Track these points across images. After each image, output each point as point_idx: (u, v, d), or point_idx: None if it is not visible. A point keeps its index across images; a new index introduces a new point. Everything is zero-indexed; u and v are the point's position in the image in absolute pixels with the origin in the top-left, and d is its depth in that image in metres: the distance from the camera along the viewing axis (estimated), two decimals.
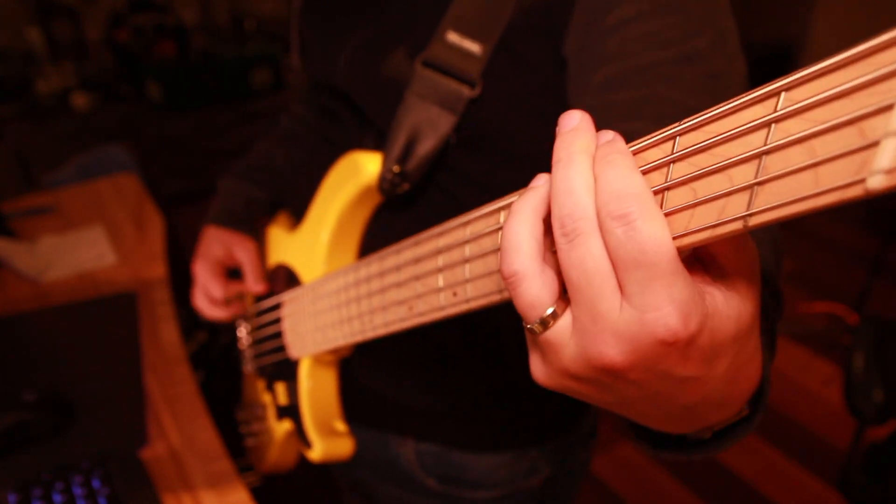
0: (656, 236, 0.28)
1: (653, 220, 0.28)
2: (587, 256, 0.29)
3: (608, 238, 0.28)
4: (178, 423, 0.91)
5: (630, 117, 0.53)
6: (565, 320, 0.32)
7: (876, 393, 1.28)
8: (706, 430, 0.37)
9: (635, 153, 0.31)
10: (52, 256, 1.26)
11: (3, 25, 4.31)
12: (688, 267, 0.30)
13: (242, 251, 0.86)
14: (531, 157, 0.65)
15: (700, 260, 0.32)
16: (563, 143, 0.32)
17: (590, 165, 0.30)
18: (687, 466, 1.96)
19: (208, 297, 0.86)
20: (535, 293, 0.32)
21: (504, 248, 0.32)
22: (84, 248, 1.29)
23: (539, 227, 0.32)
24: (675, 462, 0.38)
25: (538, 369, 0.34)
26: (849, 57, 0.23)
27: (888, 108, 0.22)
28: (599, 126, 0.57)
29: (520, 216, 0.33)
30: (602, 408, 0.36)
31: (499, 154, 0.65)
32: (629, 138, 0.31)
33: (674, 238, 0.29)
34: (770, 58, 3.36)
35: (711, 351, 0.30)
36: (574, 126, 0.32)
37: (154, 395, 0.95)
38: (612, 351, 0.29)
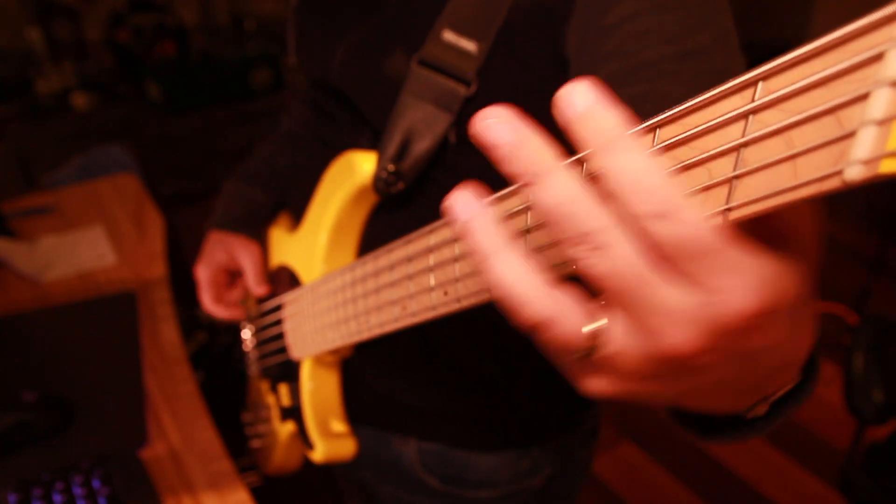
0: (704, 222, 0.24)
1: (692, 205, 0.25)
2: (621, 264, 0.26)
3: (649, 240, 0.25)
4: (178, 423, 0.91)
5: (633, 114, 0.53)
6: (616, 331, 0.28)
7: (876, 393, 1.28)
8: (762, 402, 0.36)
9: None
10: (52, 256, 1.26)
11: (3, 25, 4.31)
12: (747, 233, 0.28)
13: (245, 254, 0.86)
14: None
15: (759, 225, 0.29)
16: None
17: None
18: (687, 466, 1.96)
19: (212, 300, 0.86)
20: (569, 328, 0.28)
21: (512, 304, 0.28)
22: (84, 248, 1.29)
23: (527, 260, 0.28)
24: (731, 443, 0.36)
25: (595, 385, 0.31)
26: (826, 44, 0.22)
27: (864, 96, 0.21)
28: None
29: (504, 255, 0.28)
30: (659, 402, 0.32)
31: None
32: None
33: None
34: (770, 58, 3.35)
35: (786, 315, 0.27)
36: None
37: (154, 395, 0.95)
38: (687, 338, 0.26)
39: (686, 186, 0.27)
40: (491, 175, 0.66)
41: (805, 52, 0.23)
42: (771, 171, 0.24)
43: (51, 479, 0.78)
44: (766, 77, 0.25)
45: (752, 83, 0.25)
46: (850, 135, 0.21)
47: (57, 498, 0.76)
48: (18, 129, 4.00)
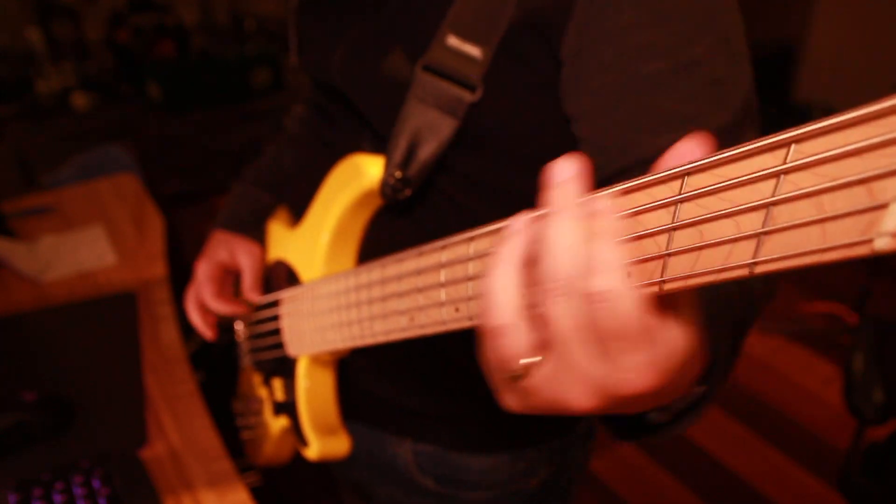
0: (633, 312, 0.29)
1: (635, 300, 0.30)
2: (570, 315, 0.31)
3: (591, 308, 0.30)
4: (178, 423, 0.91)
5: (629, 129, 0.54)
6: (541, 369, 0.33)
7: (876, 393, 1.28)
8: (664, 412, 0.42)
9: (643, 188, 0.31)
10: (52, 256, 1.26)
11: (3, 25, 4.31)
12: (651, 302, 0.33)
13: (245, 256, 0.85)
14: (533, 157, 0.64)
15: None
16: (558, 196, 0.32)
17: (580, 226, 0.31)
18: (687, 466, 1.96)
19: (196, 298, 0.86)
20: (512, 348, 0.33)
21: (488, 301, 0.34)
22: (84, 248, 1.29)
23: (520, 278, 0.34)
24: (644, 444, 0.42)
25: (510, 401, 0.37)
26: (863, 115, 0.23)
27: None
28: (599, 138, 0.58)
29: (502, 269, 0.34)
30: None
31: (500, 156, 0.65)
32: (628, 151, 0.32)
33: (680, 278, 0.29)
34: (770, 57, 3.36)
35: (673, 376, 0.32)
36: (568, 177, 0.32)
37: (154, 395, 0.95)
38: (580, 400, 0.32)
39: (629, 257, 0.31)
40: (492, 178, 0.66)
41: (841, 121, 0.23)
42: (800, 232, 0.25)
43: (51, 479, 0.78)
44: (799, 140, 0.25)
45: (786, 144, 0.25)
46: (882, 206, 0.22)
47: (57, 498, 0.76)
48: (18, 129, 4.00)
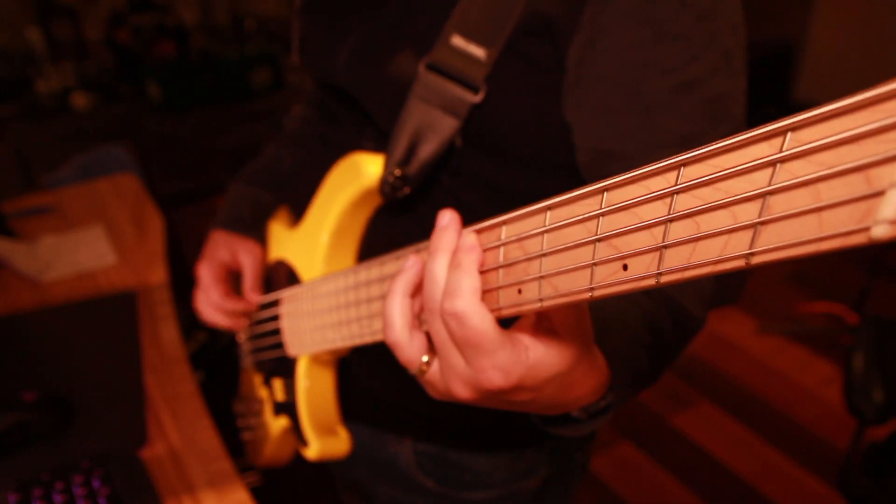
0: (481, 328, 0.38)
1: (479, 317, 0.38)
2: (440, 329, 0.41)
3: (447, 325, 0.39)
4: (178, 423, 0.91)
5: (627, 145, 0.56)
6: (434, 368, 0.44)
7: (876, 393, 1.28)
8: (581, 411, 0.49)
9: (639, 179, 0.31)
10: (52, 256, 1.26)
11: (3, 25, 4.31)
12: (527, 322, 0.41)
13: (246, 256, 0.85)
14: (534, 156, 0.64)
15: (539, 316, 0.41)
16: (435, 238, 0.42)
17: (448, 260, 0.41)
18: (687, 466, 1.96)
19: (209, 300, 0.85)
20: (408, 355, 0.44)
21: (384, 322, 0.45)
22: (84, 248, 1.29)
23: (408, 303, 0.44)
24: (568, 433, 0.52)
25: (427, 389, 0.47)
26: (859, 101, 0.22)
27: (895, 157, 0.21)
28: (596, 150, 0.59)
29: (393, 297, 0.44)
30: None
31: (502, 155, 0.65)
32: (626, 165, 0.33)
33: (676, 270, 0.29)
34: (770, 57, 3.36)
35: (536, 385, 0.40)
36: (443, 225, 0.42)
37: (154, 395, 0.95)
38: (461, 392, 0.42)
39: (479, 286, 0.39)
40: (494, 177, 0.66)
41: (838, 108, 0.23)
42: (796, 221, 0.25)
43: (51, 479, 0.78)
44: (795, 128, 0.25)
45: (782, 132, 0.25)
46: (879, 194, 0.21)
47: (57, 498, 0.76)
48: (18, 129, 4.01)
